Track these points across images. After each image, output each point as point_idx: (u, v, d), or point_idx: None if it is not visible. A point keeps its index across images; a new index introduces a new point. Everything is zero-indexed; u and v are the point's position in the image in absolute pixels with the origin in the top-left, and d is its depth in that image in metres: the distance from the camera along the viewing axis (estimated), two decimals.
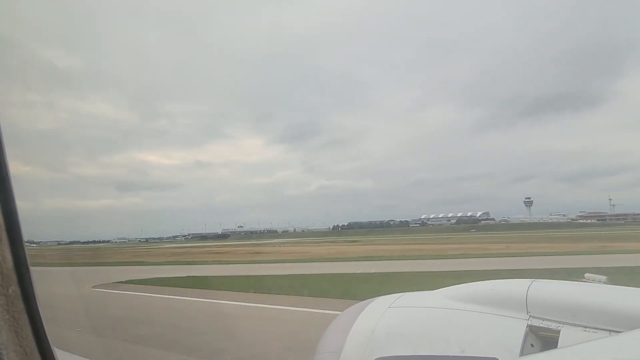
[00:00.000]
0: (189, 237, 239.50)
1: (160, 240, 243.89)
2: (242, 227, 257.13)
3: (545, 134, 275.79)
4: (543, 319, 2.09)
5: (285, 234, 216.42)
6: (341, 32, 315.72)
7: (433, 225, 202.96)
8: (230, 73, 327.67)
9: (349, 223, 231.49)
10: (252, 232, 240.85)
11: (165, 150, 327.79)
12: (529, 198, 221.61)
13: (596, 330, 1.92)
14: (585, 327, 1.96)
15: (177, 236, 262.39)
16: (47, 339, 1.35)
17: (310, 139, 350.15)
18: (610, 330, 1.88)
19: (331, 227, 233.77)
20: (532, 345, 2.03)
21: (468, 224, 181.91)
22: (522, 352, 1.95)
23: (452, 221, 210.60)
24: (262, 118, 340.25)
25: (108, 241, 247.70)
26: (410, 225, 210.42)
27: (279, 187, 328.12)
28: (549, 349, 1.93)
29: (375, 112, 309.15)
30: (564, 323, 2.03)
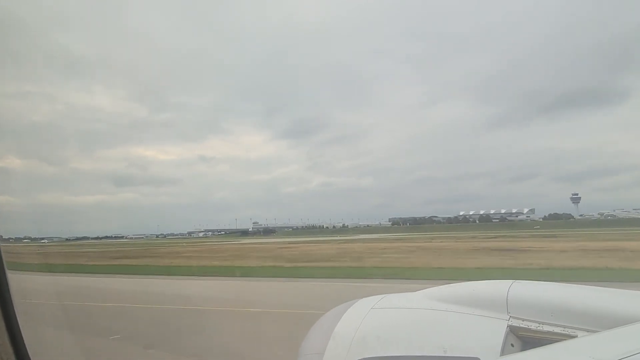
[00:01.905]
0: (223, 233, 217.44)
1: (191, 236, 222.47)
2: (257, 223, 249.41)
3: (563, 131, 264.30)
4: (523, 319, 2.12)
5: (345, 229, 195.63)
6: (351, 24, 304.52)
7: (513, 220, 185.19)
8: (235, 66, 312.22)
9: (415, 218, 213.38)
10: (298, 228, 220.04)
11: (166, 145, 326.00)
12: (577, 194, 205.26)
13: (575, 330, 1.97)
14: (564, 327, 2.01)
15: (192, 232, 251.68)
16: (24, 345, 1.32)
17: (314, 135, 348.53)
18: (588, 330, 1.93)
19: (391, 223, 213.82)
20: (512, 345, 2.06)
21: (559, 220, 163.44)
22: (503, 352, 1.98)
23: (523, 217, 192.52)
24: (266, 113, 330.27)
25: (122, 237, 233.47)
26: (492, 220, 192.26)
27: (280, 184, 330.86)
28: (528, 349, 1.98)
29: (381, 108, 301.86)
30: (543, 323, 2.07)
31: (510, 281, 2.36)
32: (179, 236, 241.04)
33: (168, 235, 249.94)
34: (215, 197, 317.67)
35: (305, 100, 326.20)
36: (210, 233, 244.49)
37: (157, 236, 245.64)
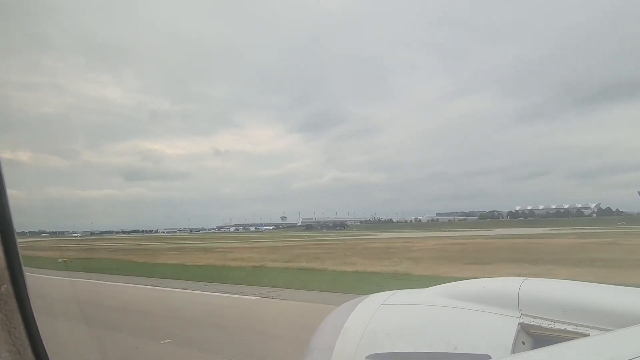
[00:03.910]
0: (271, 228, 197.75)
1: (222, 230, 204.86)
2: (285, 217, 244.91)
3: (592, 126, 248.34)
4: (534, 317, 2.11)
5: (436, 223, 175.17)
6: (373, 13, 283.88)
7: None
8: (251, 58, 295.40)
9: (496, 211, 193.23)
10: (367, 222, 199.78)
11: (177, 139, 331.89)
12: None
13: (587, 328, 1.95)
14: (576, 325, 1.99)
15: (222, 227, 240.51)
16: (40, 338, 1.34)
17: (331, 129, 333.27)
18: (600, 329, 1.91)
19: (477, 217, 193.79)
20: (523, 342, 2.06)
21: None
22: (514, 350, 1.98)
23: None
24: (282, 106, 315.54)
25: (150, 231, 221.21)
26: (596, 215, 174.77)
27: (291, 179, 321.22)
28: (540, 347, 1.94)
29: (402, 101, 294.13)
30: (555, 321, 2.05)
31: (522, 278, 2.33)
32: (210, 231, 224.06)
33: (201, 230, 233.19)
34: (225, 192, 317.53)
35: (324, 94, 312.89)
36: (241, 228, 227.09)
37: (190, 230, 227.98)
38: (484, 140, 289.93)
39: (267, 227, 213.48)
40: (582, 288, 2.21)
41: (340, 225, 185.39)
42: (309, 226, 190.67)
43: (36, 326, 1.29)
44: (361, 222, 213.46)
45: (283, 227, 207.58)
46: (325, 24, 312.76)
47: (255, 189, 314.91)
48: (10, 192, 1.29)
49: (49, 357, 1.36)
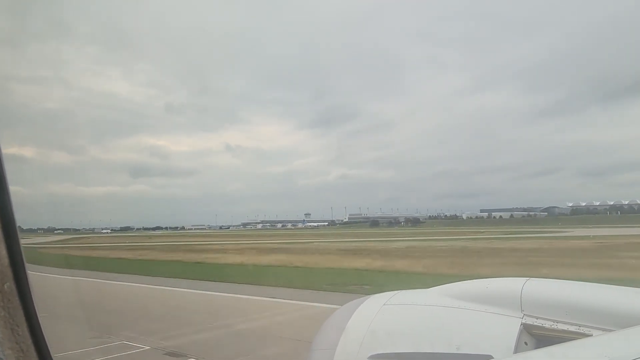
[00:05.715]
0: (315, 225, 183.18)
1: (258, 227, 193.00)
2: (309, 214, 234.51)
3: (617, 121, 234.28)
4: (537, 317, 2.13)
5: (485, 220, 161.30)
6: (391, 4, 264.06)
7: None
8: (265, 50, 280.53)
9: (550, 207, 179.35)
10: (433, 219, 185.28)
11: (188, 137, 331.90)
12: None
13: (590, 329, 1.95)
14: (579, 325, 1.99)
15: (248, 224, 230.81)
16: (43, 336, 1.36)
17: (343, 125, 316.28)
18: (603, 329, 1.92)
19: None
20: (525, 343, 2.08)
21: None
22: (516, 350, 1.99)
23: None
24: (293, 102, 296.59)
25: (176, 227, 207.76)
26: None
27: (297, 176, 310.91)
28: (542, 347, 1.96)
29: (416, 96, 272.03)
30: (557, 321, 2.06)
31: (525, 279, 2.34)
32: (235, 228, 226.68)
33: (232, 226, 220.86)
34: (232, 189, 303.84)
35: (337, 90, 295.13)
36: (268, 225, 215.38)
37: (220, 227, 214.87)
38: (501, 136, 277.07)
39: (311, 224, 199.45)
40: (585, 288, 2.22)
41: (413, 222, 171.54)
42: (374, 223, 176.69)
43: (39, 323, 1.28)
44: (426, 219, 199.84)
45: (340, 224, 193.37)
46: (338, 19, 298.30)
47: (261, 186, 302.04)
48: (14, 189, 1.26)
49: (52, 355, 1.36)
